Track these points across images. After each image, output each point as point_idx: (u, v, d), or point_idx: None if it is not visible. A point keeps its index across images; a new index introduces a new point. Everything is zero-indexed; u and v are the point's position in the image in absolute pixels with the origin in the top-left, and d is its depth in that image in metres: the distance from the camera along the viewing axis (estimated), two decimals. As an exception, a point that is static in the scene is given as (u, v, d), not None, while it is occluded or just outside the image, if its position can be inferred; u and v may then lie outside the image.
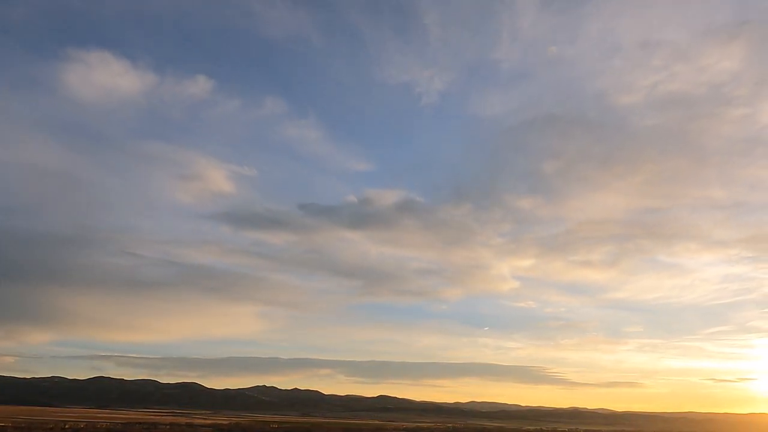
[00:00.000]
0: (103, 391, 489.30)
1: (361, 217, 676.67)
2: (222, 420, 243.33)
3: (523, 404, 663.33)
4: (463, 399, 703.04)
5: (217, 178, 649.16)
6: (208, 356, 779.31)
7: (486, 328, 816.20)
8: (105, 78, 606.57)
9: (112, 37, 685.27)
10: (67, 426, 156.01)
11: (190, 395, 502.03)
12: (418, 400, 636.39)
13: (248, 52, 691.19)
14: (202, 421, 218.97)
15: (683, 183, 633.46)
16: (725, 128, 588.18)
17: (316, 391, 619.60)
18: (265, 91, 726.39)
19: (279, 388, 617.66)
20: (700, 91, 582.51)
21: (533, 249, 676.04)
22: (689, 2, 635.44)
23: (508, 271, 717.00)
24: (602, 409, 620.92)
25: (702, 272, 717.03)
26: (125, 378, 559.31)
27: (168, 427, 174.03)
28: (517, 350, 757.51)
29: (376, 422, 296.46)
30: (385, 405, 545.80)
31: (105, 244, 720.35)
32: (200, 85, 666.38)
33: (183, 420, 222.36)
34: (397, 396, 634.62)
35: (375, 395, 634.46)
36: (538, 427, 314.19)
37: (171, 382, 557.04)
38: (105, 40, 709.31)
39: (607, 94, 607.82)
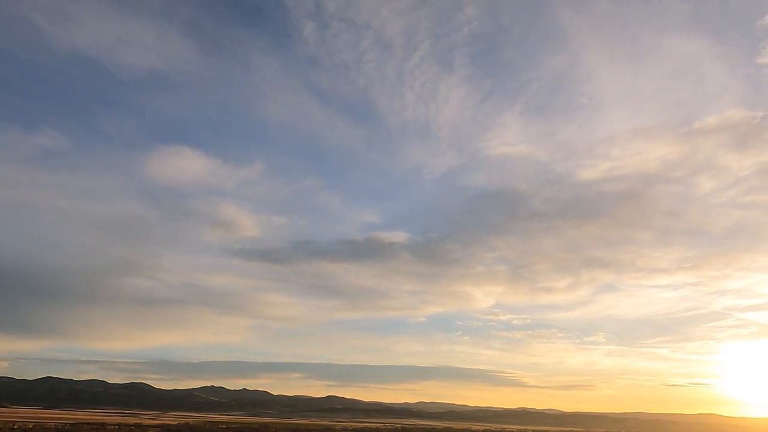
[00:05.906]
0: (52, 392, 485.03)
1: (362, 252, 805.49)
2: (170, 420, 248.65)
3: (471, 405, 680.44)
4: (412, 399, 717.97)
5: (246, 225, 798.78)
6: (193, 360, 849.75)
7: (466, 337, 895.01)
8: (178, 163, 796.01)
9: (190, 135, 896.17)
10: (15, 426, 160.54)
11: (138, 396, 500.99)
12: (366, 400, 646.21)
13: (306, 149, 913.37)
14: (150, 422, 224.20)
15: (632, 228, 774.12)
16: (665, 197, 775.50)
17: (265, 391, 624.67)
18: (308, 174, 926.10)
19: (227, 388, 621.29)
20: (647, 170, 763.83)
21: (505, 277, 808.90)
22: (639, 109, 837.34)
23: (483, 295, 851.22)
24: (551, 409, 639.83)
25: (652, 294, 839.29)
26: (75, 378, 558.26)
27: (116, 427, 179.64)
28: (488, 356, 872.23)
29: (324, 423, 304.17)
30: (332, 405, 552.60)
31: (131, 271, 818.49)
32: (255, 168, 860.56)
33: (131, 420, 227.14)
34: (345, 396, 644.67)
35: (323, 395, 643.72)
36: (485, 427, 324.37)
37: (119, 383, 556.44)
38: (184, 137, 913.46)
39: (571, 173, 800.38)
